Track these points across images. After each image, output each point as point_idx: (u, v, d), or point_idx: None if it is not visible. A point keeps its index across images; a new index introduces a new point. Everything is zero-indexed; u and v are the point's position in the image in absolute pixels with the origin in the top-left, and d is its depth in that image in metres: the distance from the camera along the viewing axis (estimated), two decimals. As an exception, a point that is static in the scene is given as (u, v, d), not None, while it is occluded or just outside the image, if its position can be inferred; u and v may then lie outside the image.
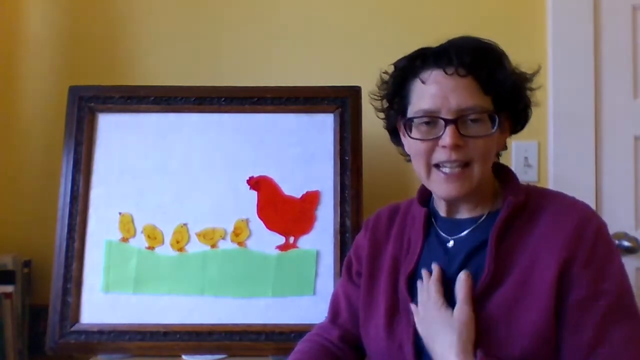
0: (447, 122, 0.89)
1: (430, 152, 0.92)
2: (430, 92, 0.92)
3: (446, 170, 0.92)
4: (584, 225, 0.88)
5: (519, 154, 1.60)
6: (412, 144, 0.95)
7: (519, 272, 0.88)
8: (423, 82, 0.93)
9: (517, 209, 0.93)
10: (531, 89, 0.97)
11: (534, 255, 0.88)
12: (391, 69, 1.01)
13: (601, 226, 0.90)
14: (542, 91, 1.56)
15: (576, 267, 0.85)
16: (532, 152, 1.60)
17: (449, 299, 0.91)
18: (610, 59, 1.59)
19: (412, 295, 0.97)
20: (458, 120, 0.89)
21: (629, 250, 1.55)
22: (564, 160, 1.58)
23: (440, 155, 0.91)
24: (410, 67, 0.96)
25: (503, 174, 1.00)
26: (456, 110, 0.89)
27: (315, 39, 1.62)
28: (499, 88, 0.92)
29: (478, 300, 0.88)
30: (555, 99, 1.58)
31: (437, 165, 0.93)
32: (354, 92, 1.41)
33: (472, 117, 0.90)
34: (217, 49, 1.63)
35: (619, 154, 1.58)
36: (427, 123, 0.92)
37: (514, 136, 1.54)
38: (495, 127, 0.91)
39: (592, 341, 0.83)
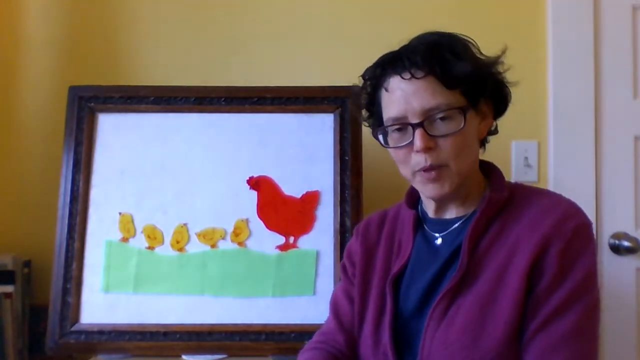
0: (414, 126, 0.89)
1: (408, 158, 0.92)
2: (393, 99, 0.92)
3: (424, 174, 0.91)
4: (566, 221, 0.87)
5: (519, 154, 1.60)
6: (392, 152, 0.96)
7: (495, 267, 0.88)
8: (387, 91, 0.93)
9: (497, 206, 0.92)
10: (499, 72, 0.95)
11: (512, 250, 0.88)
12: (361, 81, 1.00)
13: (583, 224, 0.88)
14: (542, 91, 1.60)
15: (549, 257, 0.85)
16: (532, 152, 1.60)
17: (435, 296, 0.91)
18: (610, 59, 1.59)
19: (397, 298, 0.97)
20: (425, 122, 0.89)
21: (629, 250, 1.55)
22: (564, 160, 1.58)
23: (416, 162, 0.91)
24: (374, 76, 0.96)
25: (490, 172, 1.00)
26: (420, 112, 0.89)
27: (315, 39, 1.62)
28: (461, 80, 0.89)
29: (453, 295, 0.89)
30: (555, 99, 1.58)
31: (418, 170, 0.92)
32: (354, 92, 1.41)
33: (440, 115, 0.89)
34: (217, 49, 1.63)
35: (619, 154, 1.58)
36: (398, 130, 0.92)
37: (514, 136, 1.59)
38: (464, 123, 0.89)
39: (538, 327, 0.84)
